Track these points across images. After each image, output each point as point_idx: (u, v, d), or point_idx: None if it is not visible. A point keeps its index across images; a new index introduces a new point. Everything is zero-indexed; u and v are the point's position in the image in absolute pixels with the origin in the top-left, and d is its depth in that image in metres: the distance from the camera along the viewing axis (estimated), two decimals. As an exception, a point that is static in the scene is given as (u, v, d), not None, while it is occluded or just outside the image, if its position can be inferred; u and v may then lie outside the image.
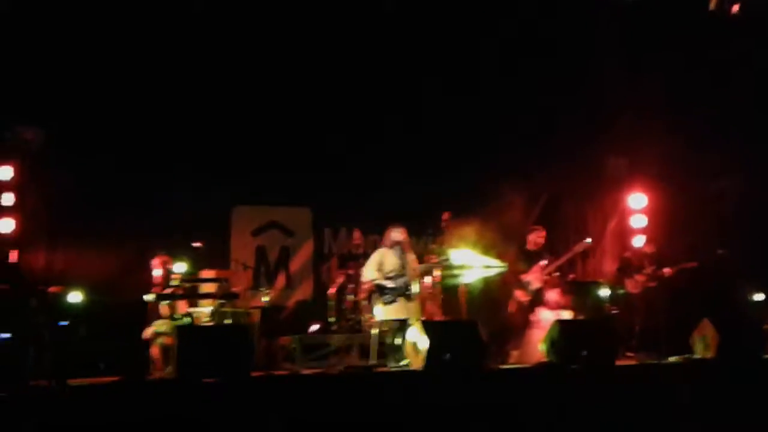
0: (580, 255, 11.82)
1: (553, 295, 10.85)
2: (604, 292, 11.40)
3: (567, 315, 10.64)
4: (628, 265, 12.26)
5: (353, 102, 12.04)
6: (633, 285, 11.96)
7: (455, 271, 10.77)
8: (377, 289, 10.17)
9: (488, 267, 10.93)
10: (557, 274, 11.00)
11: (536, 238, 11.18)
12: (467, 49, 12.21)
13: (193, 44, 11.30)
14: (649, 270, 11.90)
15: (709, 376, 9.51)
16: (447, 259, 10.65)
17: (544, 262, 10.95)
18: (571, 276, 11.65)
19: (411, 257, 10.39)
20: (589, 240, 11.35)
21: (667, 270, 11.80)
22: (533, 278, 10.99)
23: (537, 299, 10.90)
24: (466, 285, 11.02)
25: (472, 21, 12.13)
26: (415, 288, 10.18)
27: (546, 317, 10.50)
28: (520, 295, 10.97)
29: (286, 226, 12.60)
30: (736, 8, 12.64)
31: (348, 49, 11.94)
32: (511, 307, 11.16)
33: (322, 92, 11.91)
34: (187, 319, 9.45)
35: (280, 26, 11.63)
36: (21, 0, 10.45)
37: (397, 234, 10.27)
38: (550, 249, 11.26)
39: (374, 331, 10.26)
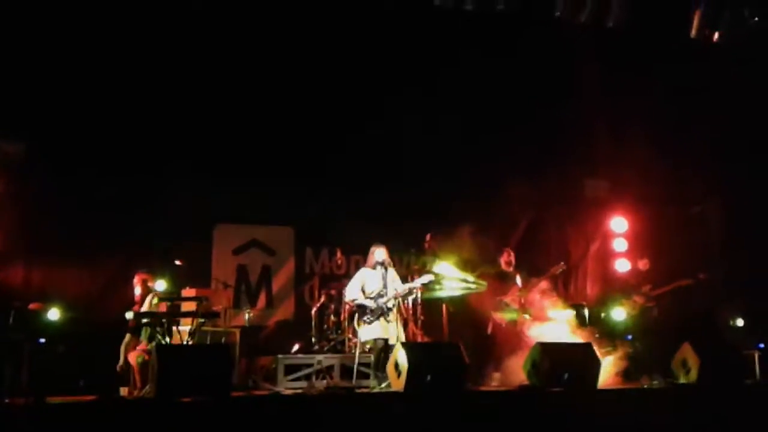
0: (559, 278, 11.80)
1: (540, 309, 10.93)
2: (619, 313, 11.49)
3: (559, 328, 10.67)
4: (625, 285, 12.22)
5: (337, 121, 12.02)
6: (631, 306, 11.83)
7: (437, 285, 10.75)
8: (359, 309, 10.14)
9: (468, 283, 10.97)
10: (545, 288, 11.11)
11: (507, 258, 11.31)
12: (447, 70, 12.23)
13: (177, 62, 11.26)
14: (646, 288, 11.82)
15: (691, 401, 9.51)
16: (430, 270, 10.68)
17: (518, 284, 11.03)
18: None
19: (394, 277, 10.37)
20: (563, 264, 11.39)
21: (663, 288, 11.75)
22: (510, 299, 11.09)
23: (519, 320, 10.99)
24: (449, 300, 11.01)
25: (446, 45, 12.19)
26: (395, 309, 10.17)
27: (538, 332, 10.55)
28: (497, 317, 11.05)
29: (267, 245, 12.54)
30: (716, 35, 12.79)
31: (331, 68, 11.95)
32: (490, 329, 11.22)
33: (307, 111, 11.90)
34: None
35: (265, 47, 11.62)
36: (1, 12, 10.36)
37: (379, 254, 10.26)
38: (528, 271, 11.34)
39: (356, 351, 10.22)
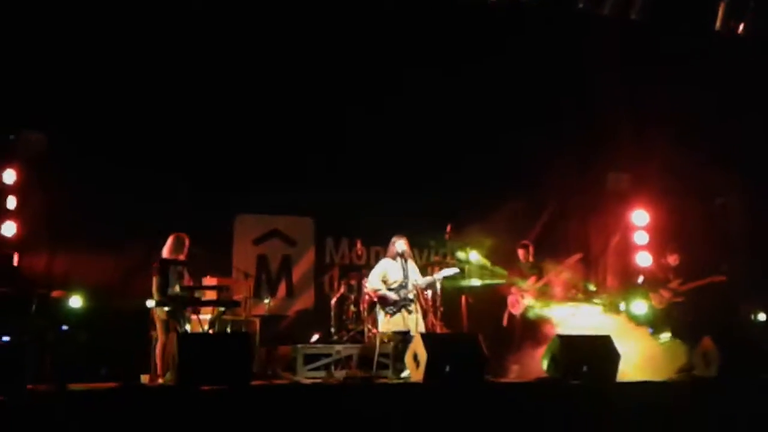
0: (576, 268, 11.73)
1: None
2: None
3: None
4: (653, 279, 12.18)
5: (357, 112, 12.01)
6: (658, 300, 11.79)
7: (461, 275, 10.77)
8: (380, 299, 10.17)
9: (491, 272, 10.99)
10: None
11: (525, 252, 11.33)
12: (469, 64, 12.19)
13: (198, 52, 11.30)
14: (674, 283, 11.79)
15: (710, 395, 9.46)
16: (454, 257, 10.69)
17: (533, 278, 11.05)
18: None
19: (413, 268, 10.40)
20: (580, 254, 11.36)
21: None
22: (527, 292, 11.12)
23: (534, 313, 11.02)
24: (469, 290, 11.02)
25: (468, 44, 12.16)
26: (416, 300, 10.20)
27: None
28: (513, 308, 11.10)
29: (288, 236, 12.57)
30: (741, 27, 12.67)
31: (351, 60, 11.94)
32: (505, 321, 11.26)
33: (327, 102, 11.90)
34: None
35: (286, 38, 11.63)
36: (24, 4, 10.43)
37: (400, 245, 10.30)
38: (548, 263, 11.37)
39: (375, 341, 10.26)
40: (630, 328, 10.96)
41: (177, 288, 9.39)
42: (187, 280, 9.59)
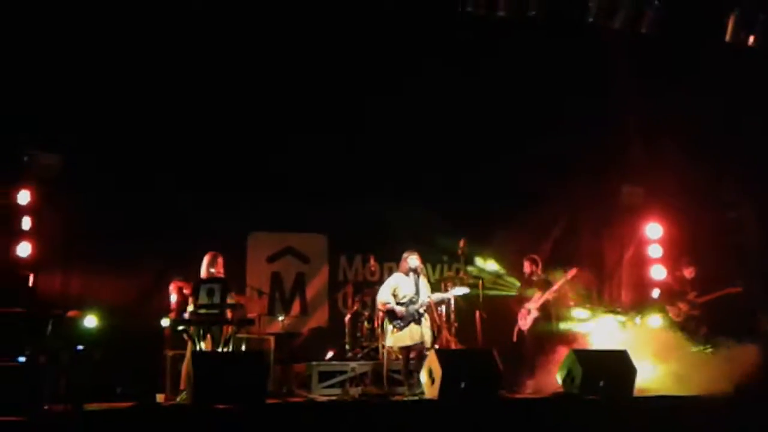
0: (576, 284, 11.67)
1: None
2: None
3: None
4: (670, 292, 12.15)
5: (370, 129, 12.04)
6: (675, 313, 11.75)
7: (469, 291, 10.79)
8: (388, 313, 10.16)
9: (506, 283, 11.00)
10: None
11: (531, 266, 11.33)
12: (482, 77, 12.22)
13: (211, 71, 11.36)
14: (691, 296, 11.73)
15: (728, 410, 9.39)
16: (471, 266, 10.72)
17: (538, 293, 11.06)
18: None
19: (425, 284, 10.39)
20: (575, 269, 11.34)
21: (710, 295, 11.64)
22: (533, 307, 11.13)
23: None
24: (482, 306, 11.02)
25: (481, 58, 12.19)
26: (427, 315, 10.21)
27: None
28: (521, 323, 11.11)
29: (301, 253, 12.58)
30: (751, 39, 12.65)
31: (362, 74, 11.97)
32: (515, 336, 11.25)
33: (339, 119, 11.93)
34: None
35: (297, 52, 11.68)
36: (36, 27, 10.51)
37: (412, 260, 10.30)
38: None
39: (388, 358, 10.25)
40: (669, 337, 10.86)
41: (191, 308, 9.42)
42: (221, 297, 9.61)
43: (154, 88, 11.14)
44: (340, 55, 11.80)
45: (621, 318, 11.45)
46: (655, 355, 10.28)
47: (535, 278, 11.34)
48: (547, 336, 10.89)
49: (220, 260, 9.87)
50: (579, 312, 11.30)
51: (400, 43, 11.87)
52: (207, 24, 11.15)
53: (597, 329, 11.01)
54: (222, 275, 9.79)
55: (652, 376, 10.11)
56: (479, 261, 11.29)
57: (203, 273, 9.77)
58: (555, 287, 11.13)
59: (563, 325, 11.02)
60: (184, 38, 11.10)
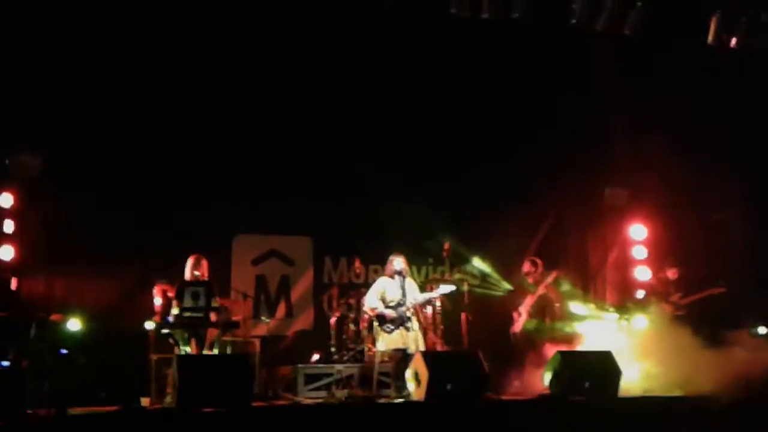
0: (556, 289, 11.72)
1: None
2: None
3: None
4: (654, 293, 12.18)
5: (355, 131, 12.02)
6: (659, 313, 11.71)
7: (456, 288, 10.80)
8: (378, 318, 10.15)
9: (494, 284, 11.03)
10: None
11: (528, 267, 11.38)
12: (466, 78, 12.22)
13: (193, 71, 11.31)
14: (675, 297, 11.78)
15: (711, 410, 9.41)
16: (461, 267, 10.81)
17: (530, 296, 11.12)
18: None
19: (412, 286, 10.39)
20: (555, 272, 11.40)
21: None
22: (524, 310, 11.18)
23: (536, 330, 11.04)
24: (468, 309, 11.03)
25: (464, 59, 12.20)
26: (414, 318, 10.20)
27: None
28: (513, 325, 11.16)
29: (286, 255, 12.53)
30: (733, 41, 12.72)
31: (351, 74, 11.96)
32: (512, 338, 11.30)
33: (324, 122, 11.90)
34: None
35: (281, 56, 11.66)
36: (16, 26, 10.43)
37: (398, 263, 10.29)
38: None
39: (375, 361, 10.23)
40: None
41: (176, 311, 9.37)
42: (206, 300, 9.60)
43: (138, 89, 11.09)
44: (330, 56, 11.79)
45: (613, 316, 11.45)
46: (655, 355, 10.30)
47: (531, 280, 11.37)
48: (535, 338, 10.92)
49: (204, 263, 9.84)
50: (570, 313, 11.31)
51: (388, 46, 11.87)
52: (193, 23, 11.12)
53: (589, 330, 11.01)
54: (206, 278, 9.76)
55: (653, 376, 10.14)
56: (466, 261, 11.28)
57: (187, 275, 9.74)
58: (539, 290, 11.19)
59: (553, 327, 11.03)
60: (167, 38, 11.06)
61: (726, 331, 10.67)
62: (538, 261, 11.56)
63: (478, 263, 11.57)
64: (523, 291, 11.39)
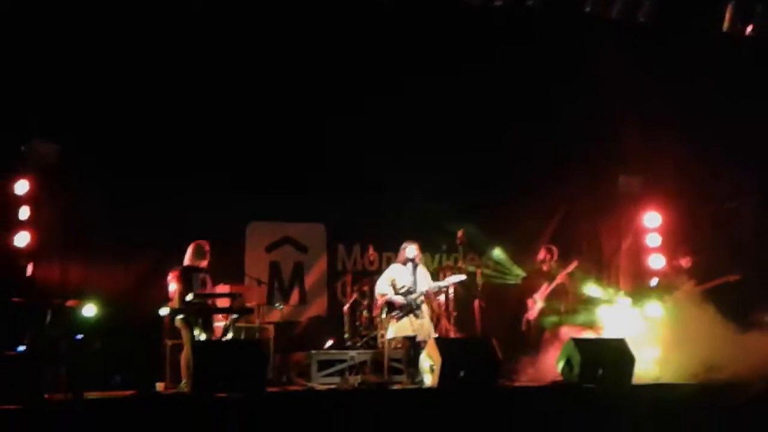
0: (574, 278, 11.72)
1: None
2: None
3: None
4: (667, 281, 12.16)
5: (368, 119, 12.01)
6: (673, 301, 11.64)
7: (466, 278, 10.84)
8: (388, 305, 10.18)
9: (508, 272, 11.30)
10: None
11: (544, 255, 11.40)
12: (478, 65, 12.19)
13: (209, 61, 11.29)
14: (689, 285, 11.74)
15: (722, 397, 9.41)
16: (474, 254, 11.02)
17: (545, 284, 11.14)
18: None
19: (424, 274, 10.41)
20: (576, 262, 11.41)
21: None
22: (539, 297, 11.19)
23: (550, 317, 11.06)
24: (482, 294, 11.06)
25: (477, 46, 12.17)
26: (425, 306, 10.22)
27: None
28: (529, 313, 11.17)
29: (300, 242, 12.56)
30: (749, 29, 12.66)
31: (361, 65, 11.93)
32: (524, 325, 11.31)
33: (339, 111, 11.89)
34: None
35: (295, 43, 11.65)
36: (36, 14, 10.48)
37: (411, 250, 10.32)
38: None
39: (386, 347, 10.26)
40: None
41: (191, 296, 9.41)
42: (210, 287, 9.64)
43: (153, 79, 11.07)
44: (336, 44, 11.76)
45: (627, 303, 11.43)
46: (670, 342, 10.30)
47: (545, 268, 11.38)
48: (551, 326, 10.93)
49: (207, 249, 9.84)
50: (585, 301, 11.31)
51: (393, 35, 11.85)
52: (202, 15, 11.12)
53: (603, 318, 11.00)
54: (206, 266, 9.77)
55: (668, 363, 10.14)
56: (479, 249, 11.31)
57: (188, 262, 9.75)
58: (557, 280, 11.20)
59: (569, 316, 11.03)
60: (179, 28, 11.04)
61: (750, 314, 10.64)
62: (554, 248, 11.56)
63: (491, 251, 11.57)
64: (538, 278, 11.41)
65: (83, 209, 10.74)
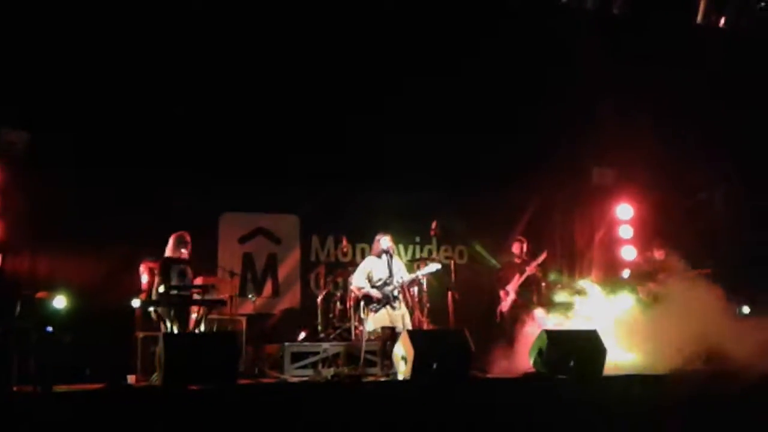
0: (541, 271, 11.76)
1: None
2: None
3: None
4: (640, 272, 12.20)
5: (341, 110, 11.97)
6: (645, 293, 11.76)
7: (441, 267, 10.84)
8: (365, 297, 10.18)
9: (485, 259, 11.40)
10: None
11: (519, 247, 11.45)
12: (451, 59, 12.17)
13: (183, 50, 11.21)
14: (661, 277, 11.79)
15: (695, 387, 9.47)
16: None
17: (517, 275, 11.21)
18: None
19: (399, 265, 10.41)
20: (545, 253, 11.49)
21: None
22: (511, 289, 11.24)
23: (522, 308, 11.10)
24: (455, 286, 11.06)
25: (450, 40, 12.14)
26: (401, 297, 10.23)
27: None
28: (502, 305, 11.23)
29: (273, 233, 12.53)
30: (722, 21, 12.72)
31: (340, 57, 11.87)
32: (498, 317, 11.37)
33: (311, 101, 11.84)
34: None
35: (271, 35, 11.57)
36: (3, 3, 10.33)
37: (384, 242, 10.32)
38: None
39: (362, 339, 10.25)
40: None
41: (162, 288, 9.35)
42: (191, 278, 9.57)
43: (125, 66, 10.98)
44: (323, 44, 11.70)
45: (599, 294, 11.49)
46: (640, 334, 10.35)
47: (518, 260, 11.45)
48: (523, 317, 10.97)
49: (189, 240, 9.80)
50: (558, 292, 11.37)
51: (387, 30, 11.81)
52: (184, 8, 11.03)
53: (576, 309, 11.05)
54: (188, 257, 9.72)
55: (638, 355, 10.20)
56: (453, 240, 11.33)
57: (172, 253, 9.69)
58: (527, 271, 11.23)
59: (541, 307, 11.08)
60: (153, 19, 10.94)
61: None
62: (525, 240, 11.63)
63: (465, 242, 11.61)
64: (511, 270, 11.47)
65: (53, 199, 10.64)
